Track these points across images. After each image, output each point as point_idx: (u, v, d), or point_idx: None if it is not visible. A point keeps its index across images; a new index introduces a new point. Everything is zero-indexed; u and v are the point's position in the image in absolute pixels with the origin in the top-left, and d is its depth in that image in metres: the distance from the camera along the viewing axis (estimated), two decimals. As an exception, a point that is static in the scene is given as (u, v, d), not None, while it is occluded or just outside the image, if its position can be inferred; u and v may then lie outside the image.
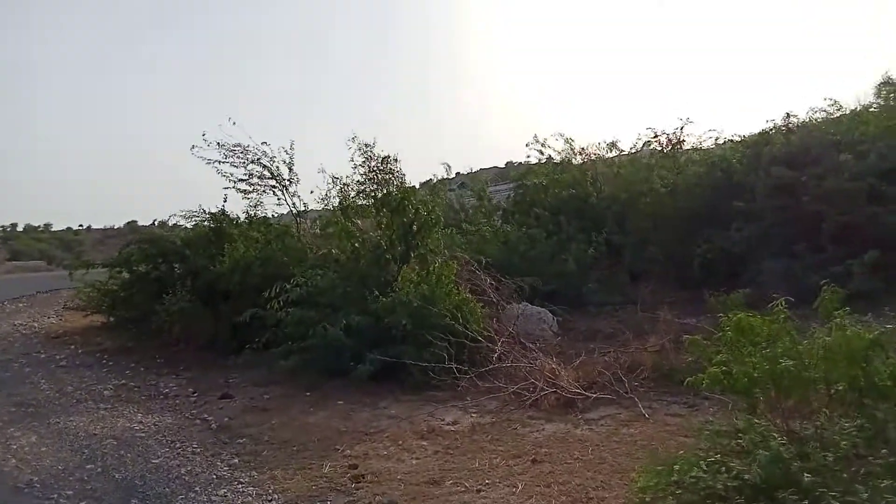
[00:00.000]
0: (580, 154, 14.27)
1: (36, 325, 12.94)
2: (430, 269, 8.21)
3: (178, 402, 7.62)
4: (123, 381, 8.48)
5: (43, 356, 10.02)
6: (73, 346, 10.76)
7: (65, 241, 55.43)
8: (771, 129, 12.19)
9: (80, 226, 59.68)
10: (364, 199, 12.01)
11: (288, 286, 8.54)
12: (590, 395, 6.63)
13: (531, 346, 8.03)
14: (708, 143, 13.56)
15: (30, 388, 8.05)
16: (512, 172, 21.03)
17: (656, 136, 13.91)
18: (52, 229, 61.39)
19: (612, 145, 14.07)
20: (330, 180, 10.76)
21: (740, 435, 4.14)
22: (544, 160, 15.23)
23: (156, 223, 12.16)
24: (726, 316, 5.34)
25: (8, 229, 60.67)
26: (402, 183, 12.55)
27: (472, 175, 21.32)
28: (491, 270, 9.51)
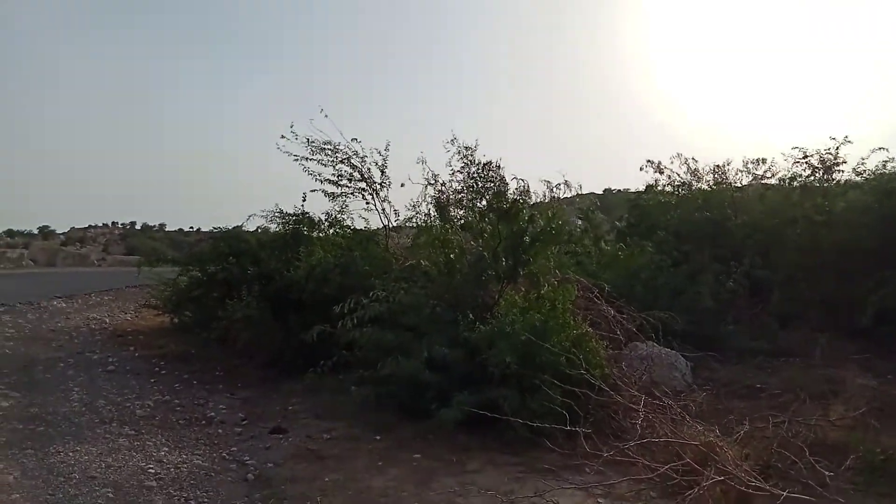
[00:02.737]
0: (714, 172, 11.89)
1: (108, 320, 11.90)
2: (542, 292, 6.23)
3: (220, 431, 5.96)
4: (167, 398, 6.95)
5: (96, 357, 8.73)
6: (132, 348, 9.46)
7: (175, 240, 57.03)
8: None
9: (191, 227, 61.20)
10: (460, 208, 10.29)
11: (365, 300, 6.81)
12: (776, 490, 4.40)
13: (671, 402, 5.85)
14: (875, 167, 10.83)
15: (58, 397, 6.63)
16: (628, 195, 18.62)
17: (806, 158, 11.39)
18: (166, 229, 63.63)
19: (758, 163, 11.57)
20: (430, 177, 8.95)
21: None
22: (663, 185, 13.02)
23: (258, 229, 10.70)
24: None
25: (127, 227, 63.59)
26: (502, 191, 10.77)
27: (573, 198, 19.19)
28: (617, 300, 7.38)
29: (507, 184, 10.19)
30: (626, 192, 19.70)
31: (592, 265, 9.56)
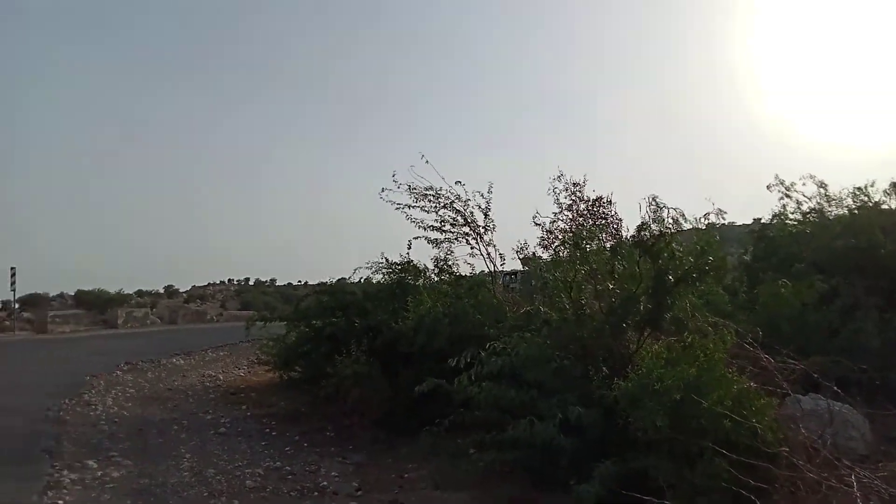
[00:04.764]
0: (853, 195, 10.36)
1: (222, 377, 11.75)
2: (689, 340, 5.21)
3: (334, 505, 5.28)
4: (279, 464, 6.39)
5: (209, 418, 8.41)
6: (244, 407, 9.12)
7: (285, 294, 58.90)
8: None
9: (299, 281, 63.11)
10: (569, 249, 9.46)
11: (483, 352, 6.04)
12: None
13: (868, 473, 4.62)
14: None
15: (169, 465, 6.21)
16: (734, 227, 17.01)
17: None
18: (277, 284, 65.94)
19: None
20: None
21: None
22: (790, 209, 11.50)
23: (361, 280, 10.34)
24: None
25: (242, 283, 66.53)
26: (617, 229, 9.84)
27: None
28: (779, 347, 6.17)
29: (619, 222, 9.27)
30: (731, 224, 18.07)
31: (727, 305, 8.33)
